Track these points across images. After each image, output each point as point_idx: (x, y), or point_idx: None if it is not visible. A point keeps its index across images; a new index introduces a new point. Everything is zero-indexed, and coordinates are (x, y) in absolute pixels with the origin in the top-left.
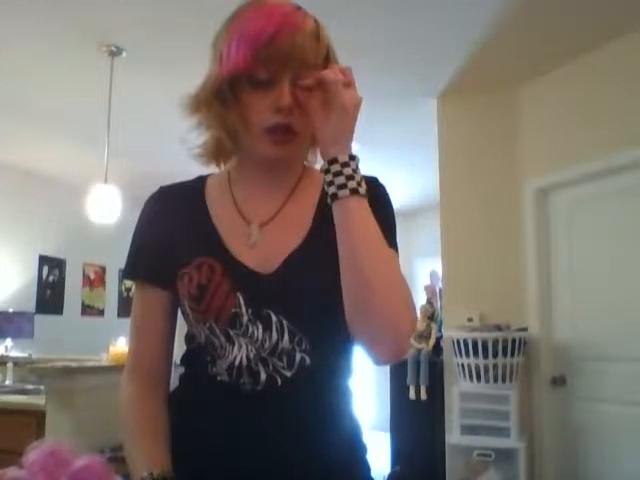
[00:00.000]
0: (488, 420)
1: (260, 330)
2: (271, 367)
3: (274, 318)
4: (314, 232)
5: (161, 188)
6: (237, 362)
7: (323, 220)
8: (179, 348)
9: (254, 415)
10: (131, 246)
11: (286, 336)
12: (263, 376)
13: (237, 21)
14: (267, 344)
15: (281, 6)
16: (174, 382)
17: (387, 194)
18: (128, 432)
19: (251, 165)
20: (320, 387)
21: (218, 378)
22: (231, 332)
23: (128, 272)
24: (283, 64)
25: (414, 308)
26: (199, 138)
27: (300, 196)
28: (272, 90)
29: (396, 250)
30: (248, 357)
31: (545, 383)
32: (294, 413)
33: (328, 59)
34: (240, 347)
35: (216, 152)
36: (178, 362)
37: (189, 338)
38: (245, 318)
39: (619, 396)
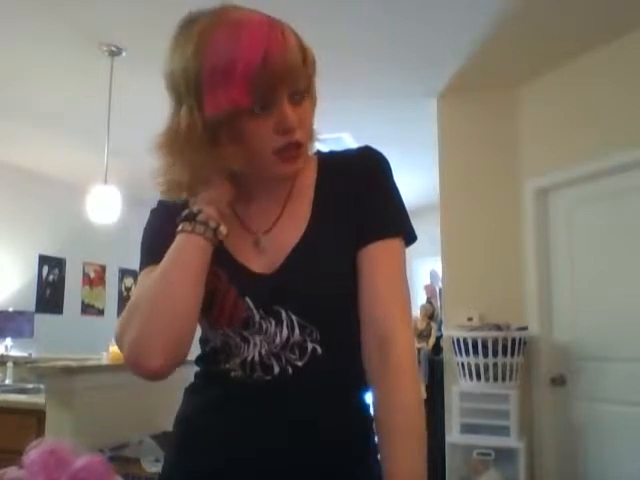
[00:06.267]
0: (488, 419)
1: (273, 325)
2: (284, 360)
3: (284, 314)
4: (312, 224)
5: (160, 201)
6: (249, 358)
7: (321, 210)
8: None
9: (265, 404)
10: (142, 246)
11: (297, 330)
12: (276, 369)
13: (209, 49)
14: (278, 339)
15: (257, 24)
16: (189, 379)
17: (380, 163)
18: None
19: (250, 181)
20: (332, 375)
21: (232, 374)
22: (245, 333)
23: (141, 265)
24: (279, 86)
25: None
26: (165, 173)
27: (298, 192)
28: (271, 112)
29: (407, 231)
30: (260, 353)
31: (545, 383)
32: (305, 400)
33: (310, 66)
34: (255, 345)
35: (188, 189)
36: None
37: (203, 341)
38: (257, 317)
39: (619, 396)
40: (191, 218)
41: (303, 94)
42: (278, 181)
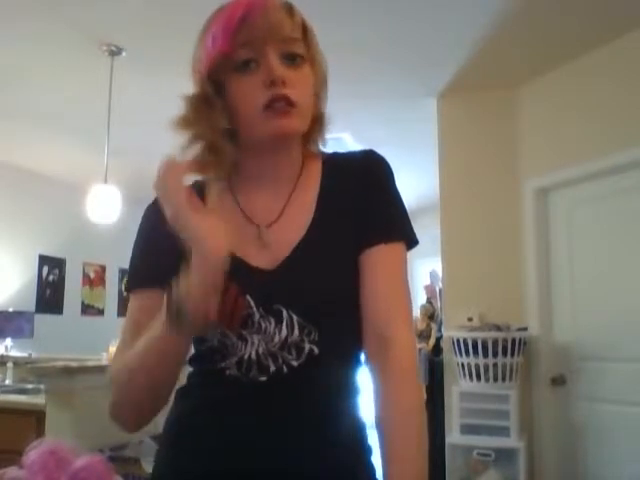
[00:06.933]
0: (488, 420)
1: (272, 325)
2: (280, 360)
3: (285, 313)
4: (316, 223)
5: (154, 202)
6: (246, 356)
7: (325, 209)
8: None
9: (259, 403)
10: (131, 259)
11: (296, 330)
12: (272, 369)
13: (208, 28)
14: (277, 339)
15: None
16: (181, 381)
17: (383, 167)
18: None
19: (252, 163)
20: (326, 375)
21: (227, 372)
22: (244, 332)
23: (130, 285)
24: (262, 40)
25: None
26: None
27: (302, 190)
28: (260, 70)
29: (409, 235)
30: (257, 352)
31: (545, 383)
32: (299, 400)
33: (306, 36)
34: (253, 344)
35: (211, 161)
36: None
37: (198, 341)
38: (257, 316)
39: (619, 396)
40: (176, 316)
41: (299, 59)
42: (277, 155)
